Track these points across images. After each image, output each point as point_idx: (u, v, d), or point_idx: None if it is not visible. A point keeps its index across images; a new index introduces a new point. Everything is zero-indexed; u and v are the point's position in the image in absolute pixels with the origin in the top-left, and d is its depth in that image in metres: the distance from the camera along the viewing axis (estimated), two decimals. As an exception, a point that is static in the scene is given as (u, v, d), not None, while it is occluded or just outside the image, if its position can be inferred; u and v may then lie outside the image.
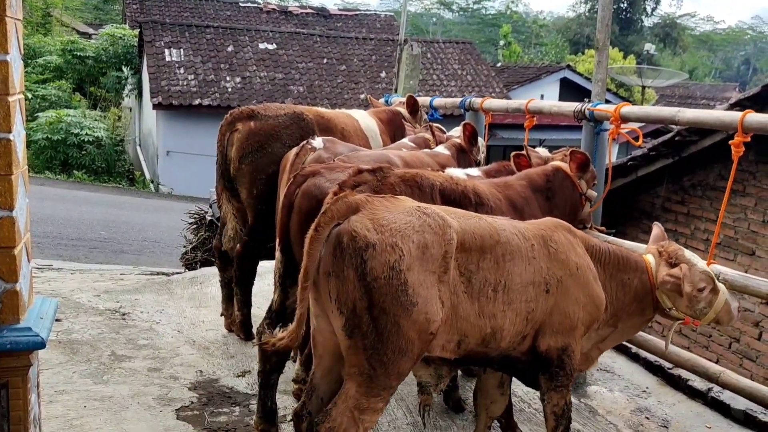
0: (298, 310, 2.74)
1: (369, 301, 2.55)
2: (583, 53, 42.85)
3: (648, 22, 57.29)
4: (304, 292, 2.71)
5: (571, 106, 5.01)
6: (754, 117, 3.80)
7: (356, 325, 2.58)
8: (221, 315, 5.28)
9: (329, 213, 2.64)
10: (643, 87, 27.52)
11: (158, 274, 7.59)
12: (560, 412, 3.16)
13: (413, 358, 2.67)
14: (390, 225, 2.60)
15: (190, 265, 8.04)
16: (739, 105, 6.64)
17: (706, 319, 3.34)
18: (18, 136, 2.61)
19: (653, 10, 56.66)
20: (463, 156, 4.72)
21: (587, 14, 53.67)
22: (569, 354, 3.07)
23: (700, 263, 3.31)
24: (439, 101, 6.92)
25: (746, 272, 6.77)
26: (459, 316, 2.77)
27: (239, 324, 5.08)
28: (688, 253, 3.33)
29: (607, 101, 5.40)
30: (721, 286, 3.33)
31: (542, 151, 4.49)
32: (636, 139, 4.90)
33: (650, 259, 3.36)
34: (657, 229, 3.64)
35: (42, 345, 2.61)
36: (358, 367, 2.62)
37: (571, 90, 24.48)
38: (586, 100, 5.09)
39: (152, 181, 21.42)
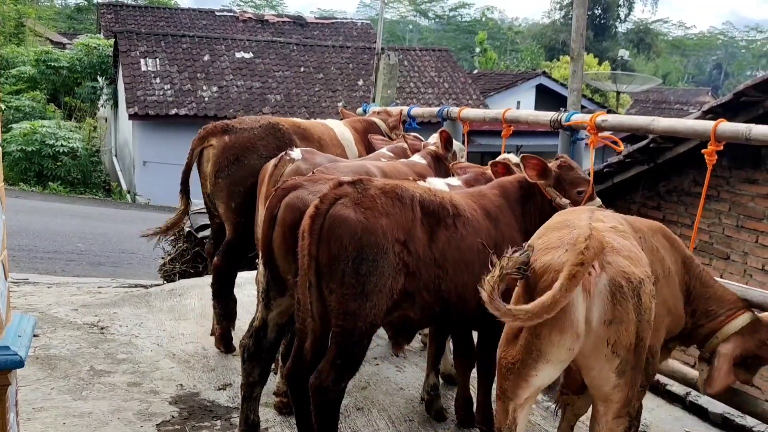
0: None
1: (637, 334, 2.59)
2: (558, 59, 43.27)
3: (622, 27, 58.15)
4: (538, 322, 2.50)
5: (547, 116, 5.04)
6: (726, 126, 3.87)
7: (628, 362, 2.60)
8: (211, 334, 5.22)
9: (591, 251, 2.48)
10: (618, 92, 27.86)
11: (136, 286, 7.53)
12: (635, 413, 3.22)
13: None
14: (634, 257, 2.68)
15: (168, 276, 7.98)
16: (712, 112, 6.70)
17: None
18: (-6, 153, 2.59)
19: (627, 16, 57.46)
20: (439, 163, 4.76)
21: (562, 20, 54.21)
22: (652, 353, 3.06)
23: None
24: (417, 110, 6.92)
25: (722, 276, 6.87)
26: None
27: (219, 336, 5.05)
28: None
29: (583, 107, 5.46)
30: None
31: (514, 159, 4.50)
32: (616, 145, 4.95)
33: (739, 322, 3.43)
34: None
35: (20, 364, 2.58)
36: (623, 402, 2.66)
37: (547, 96, 24.70)
38: (562, 109, 5.14)
39: (129, 192, 21.25)
